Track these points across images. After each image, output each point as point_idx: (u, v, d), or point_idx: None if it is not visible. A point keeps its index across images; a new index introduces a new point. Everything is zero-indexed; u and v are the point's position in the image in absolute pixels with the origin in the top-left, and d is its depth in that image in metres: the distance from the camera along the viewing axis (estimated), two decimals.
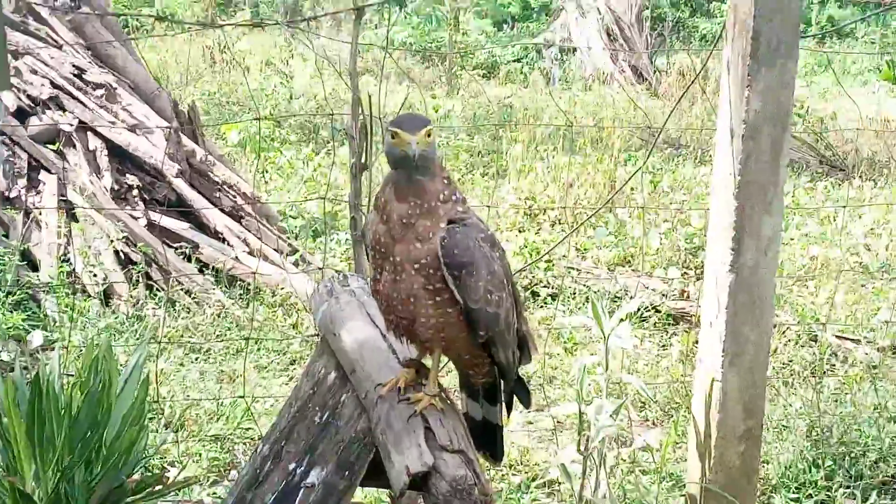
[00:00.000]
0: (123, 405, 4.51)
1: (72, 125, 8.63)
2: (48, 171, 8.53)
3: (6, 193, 8.29)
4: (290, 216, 9.81)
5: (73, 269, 7.81)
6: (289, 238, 8.99)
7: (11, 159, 8.47)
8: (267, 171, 11.16)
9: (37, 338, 7.03)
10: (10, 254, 7.68)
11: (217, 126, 12.56)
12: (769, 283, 4.38)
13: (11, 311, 7.19)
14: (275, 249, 8.47)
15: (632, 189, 11.10)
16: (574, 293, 8.30)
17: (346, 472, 3.04)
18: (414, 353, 3.09)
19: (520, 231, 9.54)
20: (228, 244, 8.38)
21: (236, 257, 8.22)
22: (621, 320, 4.76)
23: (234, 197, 8.90)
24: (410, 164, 2.78)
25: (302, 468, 3.16)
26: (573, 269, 8.72)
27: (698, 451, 4.64)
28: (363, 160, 5.04)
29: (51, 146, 8.65)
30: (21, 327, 7.04)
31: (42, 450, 3.76)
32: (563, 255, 9.01)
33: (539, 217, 10.04)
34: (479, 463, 2.84)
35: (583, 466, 4.62)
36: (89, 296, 7.62)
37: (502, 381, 3.18)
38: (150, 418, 6.02)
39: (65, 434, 3.74)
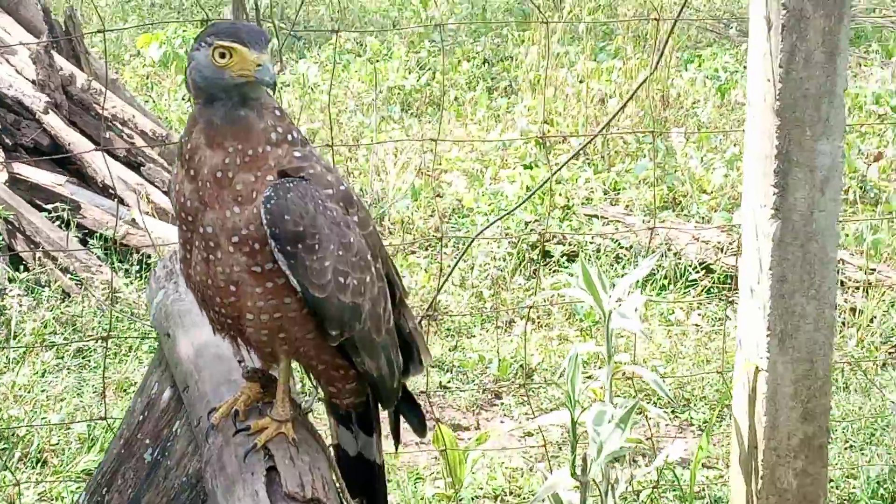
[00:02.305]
0: None
1: None
2: None
3: None
4: None
5: None
6: None
7: None
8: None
9: None
10: None
11: (123, 37, 12.42)
12: (830, 231, 4.30)
13: None
14: None
15: (693, 103, 10.93)
16: (599, 250, 8.12)
17: None
18: (258, 361, 2.93)
19: (527, 167, 9.35)
20: (122, 203, 8.23)
21: (133, 220, 8.07)
22: (631, 292, 4.72)
23: (131, 137, 8.75)
24: (246, 95, 2.68)
25: None
26: (598, 216, 8.53)
27: (742, 469, 4.59)
28: None
29: None
30: None
31: None
32: (587, 199, 8.83)
33: (557, 147, 9.84)
34: None
35: (581, 496, 4.55)
36: None
37: (378, 401, 3.02)
38: (3, 449, 5.96)
39: None
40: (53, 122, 8.51)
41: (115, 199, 8.00)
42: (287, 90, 11.40)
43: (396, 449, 3.19)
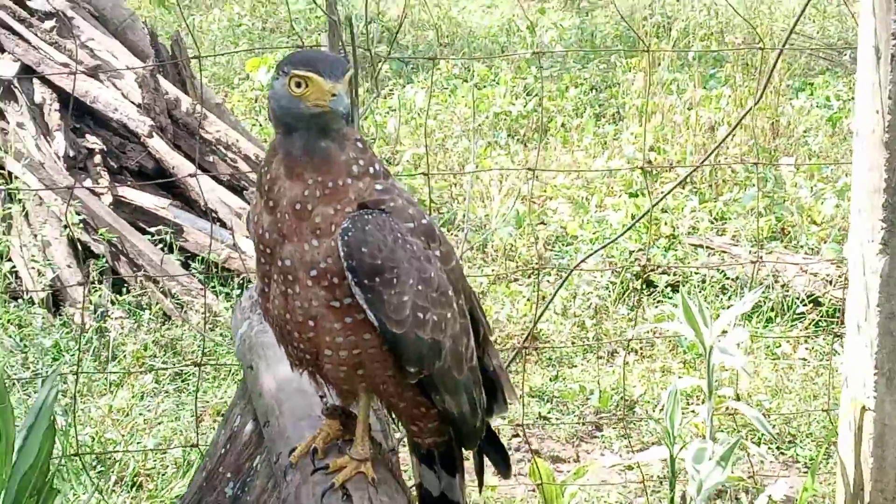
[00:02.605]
0: (26, 462, 4.40)
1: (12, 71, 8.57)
2: None
3: None
4: None
5: (14, 268, 7.74)
6: None
7: None
8: None
9: None
10: None
11: (234, 61, 12.48)
12: None
13: None
14: None
15: (805, 132, 10.76)
16: (704, 281, 7.99)
17: None
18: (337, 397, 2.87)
19: (632, 195, 9.23)
20: (224, 226, 8.23)
21: (234, 244, 8.06)
22: (735, 325, 4.63)
23: (235, 161, 8.75)
24: (326, 126, 2.61)
25: None
26: (703, 246, 8.39)
27: None
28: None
29: None
30: None
31: None
32: (692, 228, 8.69)
33: (664, 175, 9.71)
34: None
35: None
36: (32, 302, 7.53)
37: (460, 442, 2.94)
38: (101, 472, 5.96)
39: None
40: (158, 145, 8.53)
41: (212, 223, 8.05)
42: (393, 115, 11.40)
43: (480, 491, 3.10)
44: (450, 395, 2.79)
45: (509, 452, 6.04)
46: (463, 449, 3.00)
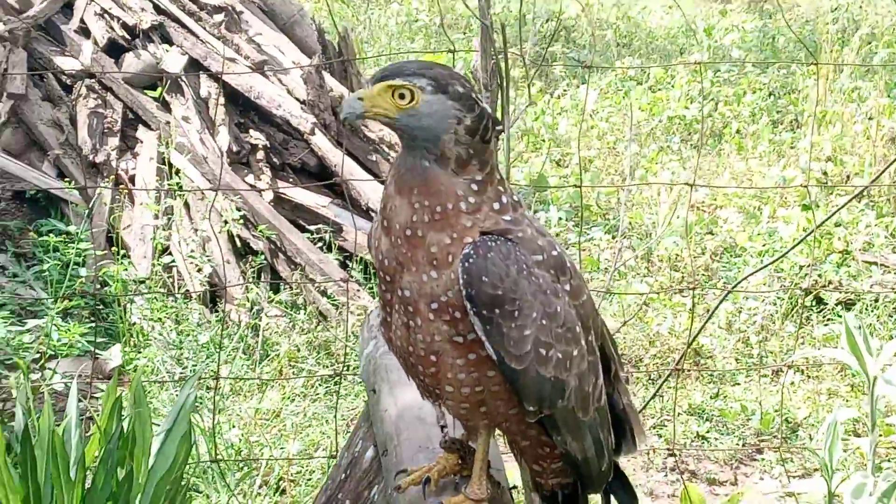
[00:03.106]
0: (161, 467, 4.37)
1: (179, 64, 8.60)
2: (147, 126, 8.50)
3: (91, 157, 8.29)
4: None
5: (173, 262, 7.74)
6: None
7: (100, 111, 8.48)
8: None
9: (115, 356, 6.98)
10: (88, 239, 7.67)
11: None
12: None
13: (89, 317, 7.18)
14: None
15: None
16: (877, 300, 7.69)
17: None
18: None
19: (805, 207, 8.92)
20: None
21: None
22: None
23: None
24: (420, 145, 2.50)
25: None
26: (878, 264, 8.08)
27: None
28: (498, 118, 4.68)
29: (151, 93, 8.62)
30: (93, 341, 6.99)
31: None
32: (867, 244, 8.37)
33: (840, 188, 9.39)
34: None
35: None
36: (189, 297, 7.52)
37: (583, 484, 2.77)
38: (247, 474, 5.91)
39: None
40: (321, 142, 8.48)
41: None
42: (565, 115, 11.24)
43: None
44: (572, 437, 2.65)
45: (663, 473, 5.86)
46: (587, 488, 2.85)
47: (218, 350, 5.52)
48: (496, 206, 2.52)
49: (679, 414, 6.70)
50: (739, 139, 10.74)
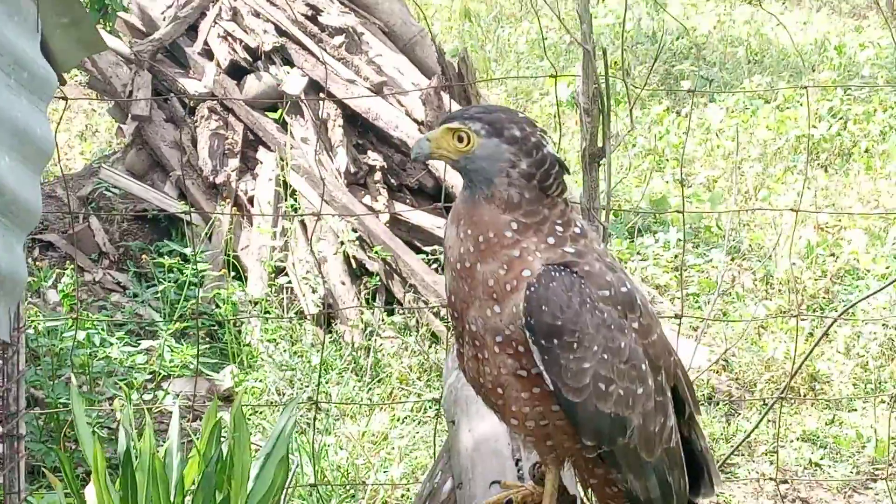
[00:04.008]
0: (259, 492, 4.42)
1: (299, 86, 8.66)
2: (267, 147, 8.58)
3: (212, 178, 8.40)
4: None
5: (289, 282, 7.81)
6: None
7: (222, 132, 8.58)
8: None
9: (227, 378, 7.05)
10: (205, 259, 7.77)
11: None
12: None
13: (204, 338, 7.27)
14: None
15: None
16: None
17: None
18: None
19: None
20: None
21: None
22: None
23: None
24: (473, 180, 2.62)
25: None
26: None
27: None
28: (599, 144, 4.66)
29: (272, 114, 8.70)
30: (207, 363, 7.09)
31: None
32: None
33: None
34: None
35: None
36: (304, 317, 7.58)
37: None
38: (349, 496, 5.94)
39: None
40: (438, 163, 8.48)
41: None
42: (690, 135, 11.14)
43: None
44: (634, 476, 2.65)
45: (773, 501, 5.75)
46: None
47: (319, 372, 5.55)
48: (550, 239, 2.56)
49: (792, 440, 6.59)
50: (868, 158, 10.55)
